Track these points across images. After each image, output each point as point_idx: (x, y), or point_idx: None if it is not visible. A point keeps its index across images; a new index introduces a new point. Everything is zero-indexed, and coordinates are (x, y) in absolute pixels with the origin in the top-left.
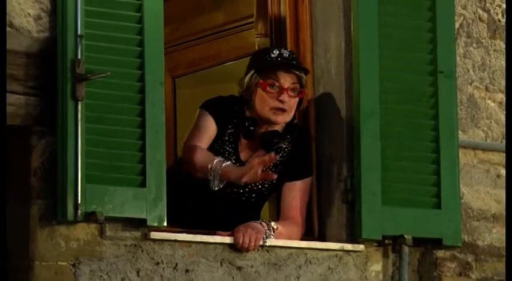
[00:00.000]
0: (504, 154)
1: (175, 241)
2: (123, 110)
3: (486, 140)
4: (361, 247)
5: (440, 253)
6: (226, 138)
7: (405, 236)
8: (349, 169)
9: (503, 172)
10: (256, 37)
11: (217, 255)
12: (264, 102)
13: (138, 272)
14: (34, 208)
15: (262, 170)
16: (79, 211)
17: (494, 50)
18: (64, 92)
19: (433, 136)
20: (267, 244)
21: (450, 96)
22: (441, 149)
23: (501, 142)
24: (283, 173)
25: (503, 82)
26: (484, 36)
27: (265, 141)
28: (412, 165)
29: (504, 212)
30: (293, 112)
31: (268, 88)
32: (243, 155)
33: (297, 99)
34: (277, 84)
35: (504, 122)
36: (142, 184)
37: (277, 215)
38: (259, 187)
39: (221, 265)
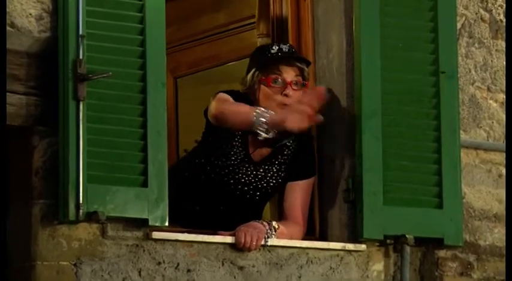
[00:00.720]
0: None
1: (177, 240)
2: (125, 110)
3: (488, 140)
4: (363, 246)
5: (441, 253)
6: (236, 132)
7: (407, 235)
8: (351, 168)
9: (505, 171)
10: (258, 37)
11: (218, 255)
12: (269, 98)
13: (139, 272)
14: (36, 208)
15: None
16: (81, 210)
17: (496, 50)
18: (65, 92)
19: (435, 136)
20: (269, 243)
21: (452, 96)
22: (443, 149)
23: (503, 142)
24: (287, 172)
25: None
26: (486, 37)
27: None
28: (414, 165)
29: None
30: None
31: (271, 83)
32: (251, 150)
33: (301, 92)
34: (280, 78)
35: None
36: (144, 184)
37: (278, 215)
38: (265, 185)
39: (223, 264)
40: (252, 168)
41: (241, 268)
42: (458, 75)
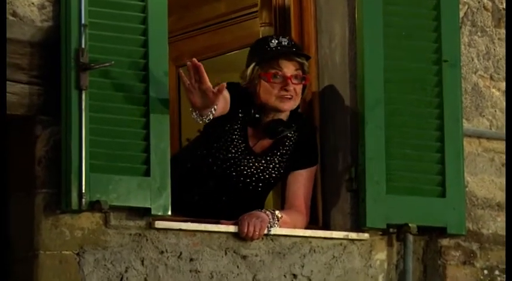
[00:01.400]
0: None
1: (180, 230)
2: (127, 99)
3: (491, 128)
4: (366, 235)
5: (444, 242)
6: (235, 126)
7: (410, 224)
8: (354, 157)
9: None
10: (261, 26)
11: (221, 244)
12: (269, 93)
13: (142, 261)
14: (38, 198)
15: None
16: (83, 200)
17: (498, 39)
18: (68, 82)
19: (438, 125)
20: (272, 232)
21: (455, 85)
22: (446, 138)
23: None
24: (289, 162)
25: None
26: (489, 25)
27: (270, 129)
28: (417, 154)
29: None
30: (299, 98)
31: (271, 79)
32: (251, 143)
33: (301, 85)
34: (280, 73)
35: None
36: (147, 173)
37: (281, 204)
38: (267, 176)
39: (225, 253)
40: (253, 160)
41: (244, 257)
42: (461, 64)
